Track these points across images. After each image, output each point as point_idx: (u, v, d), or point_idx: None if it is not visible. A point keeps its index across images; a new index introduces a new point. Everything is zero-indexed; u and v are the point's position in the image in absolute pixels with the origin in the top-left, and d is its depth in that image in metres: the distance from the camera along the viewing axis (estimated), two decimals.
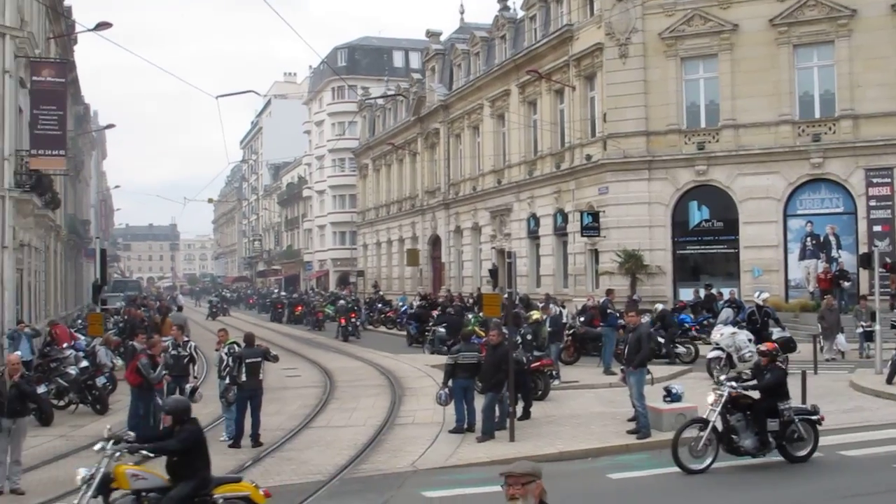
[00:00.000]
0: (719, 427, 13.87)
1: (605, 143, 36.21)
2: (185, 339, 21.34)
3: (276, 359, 19.01)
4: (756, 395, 14.37)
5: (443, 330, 33.28)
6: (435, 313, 39.55)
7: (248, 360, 17.34)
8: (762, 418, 13.96)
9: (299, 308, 57.04)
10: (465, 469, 14.30)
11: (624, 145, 35.66)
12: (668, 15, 35.10)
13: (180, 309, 49.05)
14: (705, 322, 30.59)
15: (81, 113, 56.92)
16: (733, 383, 14.32)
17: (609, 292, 29.64)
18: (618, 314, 27.57)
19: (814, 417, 14.34)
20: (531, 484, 5.81)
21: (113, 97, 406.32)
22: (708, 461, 13.62)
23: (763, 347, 15.49)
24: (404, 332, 39.78)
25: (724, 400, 13.95)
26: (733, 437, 13.90)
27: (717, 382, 14.83)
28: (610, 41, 35.99)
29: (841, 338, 26.72)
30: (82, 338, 29.19)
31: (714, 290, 32.76)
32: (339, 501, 12.94)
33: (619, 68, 35.84)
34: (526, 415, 18.17)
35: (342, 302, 46.46)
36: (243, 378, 17.23)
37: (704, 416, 14.09)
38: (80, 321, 39.75)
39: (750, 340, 23.40)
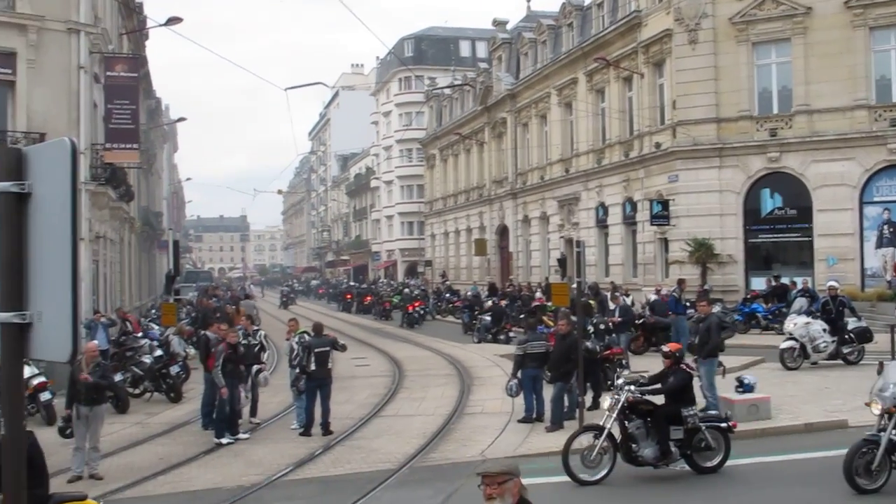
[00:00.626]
0: (617, 435, 12.95)
1: (675, 130, 35.79)
2: (255, 328, 21.65)
3: (343, 348, 19.16)
4: (658, 400, 13.40)
5: (488, 318, 34.62)
6: (503, 303, 39.75)
7: (316, 350, 17.51)
8: (663, 426, 12.90)
9: (368, 298, 57.46)
10: (533, 458, 14.27)
11: (694, 132, 35.21)
12: None
13: (249, 297, 49.76)
14: (777, 312, 30.23)
15: (153, 107, 57.88)
16: (631, 387, 13.12)
17: (681, 282, 29.31)
18: (687, 304, 27.36)
19: (723, 425, 13.25)
20: (508, 482, 5.61)
21: (183, 91, 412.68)
22: (603, 472, 12.76)
23: (665, 348, 14.23)
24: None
25: (620, 405, 12.92)
26: (632, 445, 12.90)
27: (615, 387, 13.54)
28: (679, 27, 35.53)
29: None
30: (156, 327, 29.77)
31: (785, 280, 32.26)
32: (409, 490, 13.01)
33: (689, 54, 35.37)
34: (595, 405, 18.07)
35: (407, 290, 47.05)
36: (312, 367, 17.41)
37: (601, 423, 13.03)
38: (153, 311, 40.49)
39: (824, 330, 23.05)
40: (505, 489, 5.58)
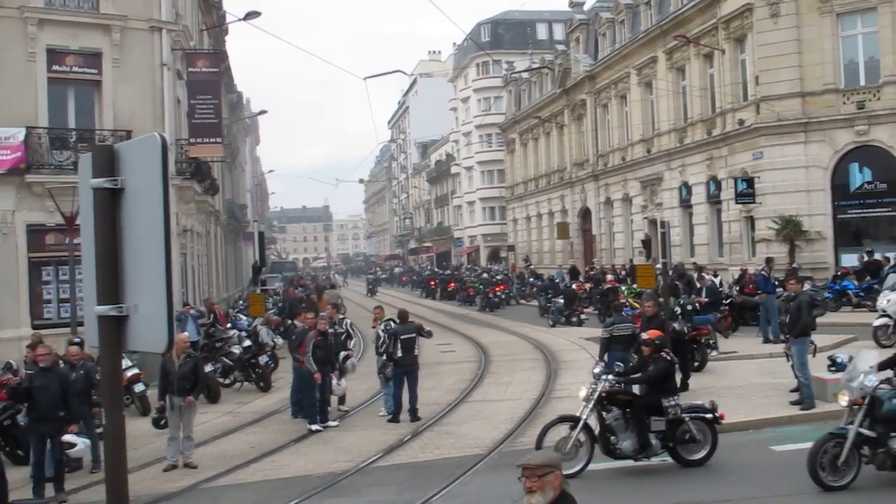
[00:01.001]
0: (595, 426, 12.49)
1: (759, 106, 35.12)
2: (341, 316, 21.88)
3: (429, 334, 19.25)
4: (637, 389, 12.98)
5: (561, 301, 35.62)
6: (588, 286, 39.63)
7: (402, 337, 17.68)
8: (642, 416, 12.40)
9: (452, 284, 57.69)
10: None
11: (778, 108, 34.50)
12: None
13: (333, 287, 50.38)
14: (869, 288, 29.53)
15: (235, 101, 58.74)
16: (609, 376, 12.69)
17: (769, 260, 28.79)
18: (776, 282, 26.85)
19: (709, 416, 12.61)
20: (549, 475, 5.42)
21: (264, 84, 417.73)
22: (579, 466, 12.22)
23: (645, 335, 13.67)
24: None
25: (597, 395, 12.43)
26: (610, 437, 12.43)
27: (593, 375, 13.21)
28: (760, 1, 34.82)
29: None
30: (244, 318, 30.28)
31: (879, 256, 31.44)
32: (499, 475, 13.02)
33: (771, 28, 34.64)
34: (684, 387, 17.87)
35: (486, 276, 47.56)
36: (399, 354, 17.57)
37: (577, 414, 12.54)
38: (241, 302, 41.16)
39: None
40: (545, 482, 5.42)
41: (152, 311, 3.90)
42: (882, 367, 11.28)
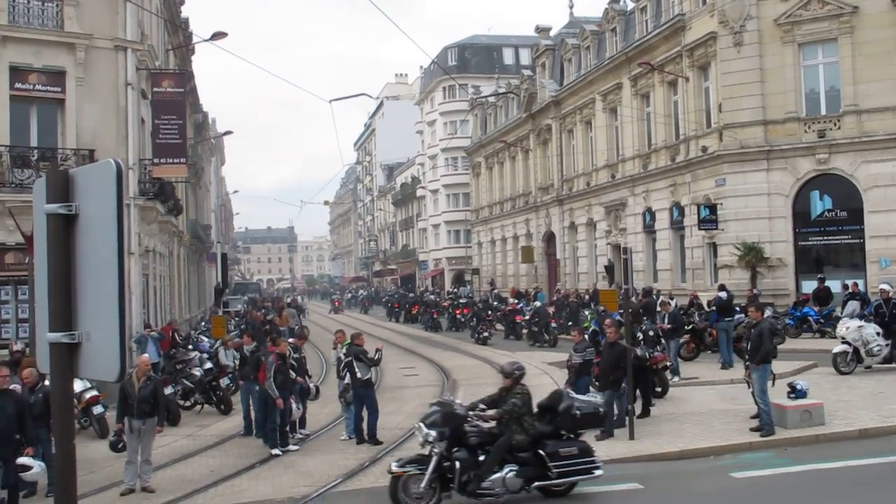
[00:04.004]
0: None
1: (722, 133, 35.48)
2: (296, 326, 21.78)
3: (370, 361, 18.30)
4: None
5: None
6: (551, 310, 39.91)
7: (349, 360, 17.80)
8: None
9: (416, 308, 57.79)
10: None
11: (741, 135, 34.88)
12: (783, 0, 34.18)
13: (301, 311, 50.39)
14: (829, 315, 29.85)
15: (200, 121, 58.43)
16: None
17: (721, 287, 28.99)
18: (737, 309, 27.11)
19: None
20: None
21: (229, 104, 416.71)
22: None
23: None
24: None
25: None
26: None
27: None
28: (723, 29, 35.25)
29: None
30: (206, 340, 30.05)
31: (835, 282, 31.80)
32: (461, 499, 12.98)
33: (734, 57, 35.06)
34: (646, 412, 17.96)
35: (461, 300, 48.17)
36: (357, 375, 17.64)
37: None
38: (203, 324, 40.86)
39: (878, 334, 22.72)
40: None
41: (104, 339, 3.85)
42: None
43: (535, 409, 12.92)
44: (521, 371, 13.13)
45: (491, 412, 12.60)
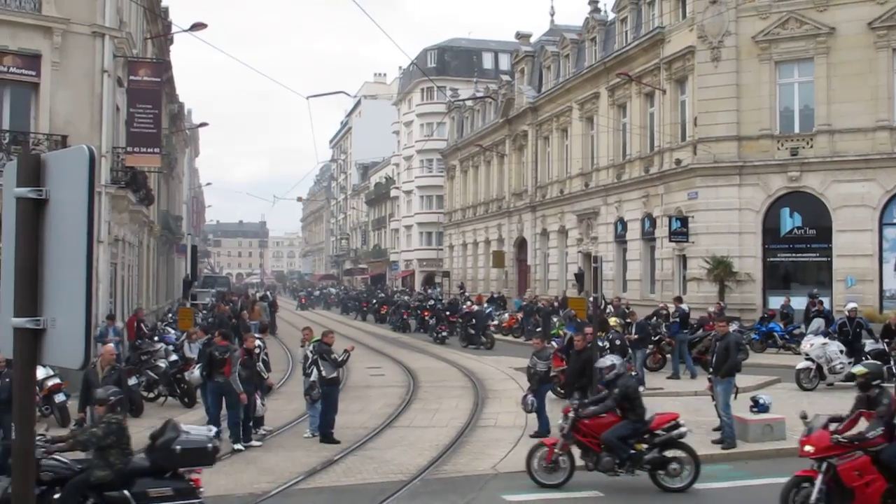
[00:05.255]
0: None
1: (696, 147, 35.72)
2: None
3: (334, 362, 17.97)
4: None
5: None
6: (519, 316, 40.12)
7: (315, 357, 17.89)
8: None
9: (385, 308, 57.76)
10: None
11: (715, 150, 35.13)
12: (762, 18, 34.46)
13: (273, 305, 50.33)
14: (795, 331, 30.11)
15: (176, 111, 58.06)
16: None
17: (678, 300, 29.15)
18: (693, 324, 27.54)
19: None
20: None
21: (206, 96, 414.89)
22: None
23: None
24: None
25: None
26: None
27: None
28: (702, 44, 35.50)
29: None
30: (173, 332, 29.84)
31: (801, 300, 32.10)
32: (421, 502, 12.99)
33: (711, 72, 35.31)
34: None
35: (432, 302, 48.12)
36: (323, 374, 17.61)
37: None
38: (170, 315, 40.60)
39: (841, 352, 22.93)
40: None
41: (70, 325, 3.82)
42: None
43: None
44: (117, 396, 11.99)
45: (63, 444, 11.10)
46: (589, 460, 13.48)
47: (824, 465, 10.75)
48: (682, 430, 13.72)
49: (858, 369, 11.70)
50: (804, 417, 11.57)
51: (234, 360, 17.23)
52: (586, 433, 13.45)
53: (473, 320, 38.62)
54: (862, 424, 11.22)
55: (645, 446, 13.37)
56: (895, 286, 32.58)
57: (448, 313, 42.62)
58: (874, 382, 11.22)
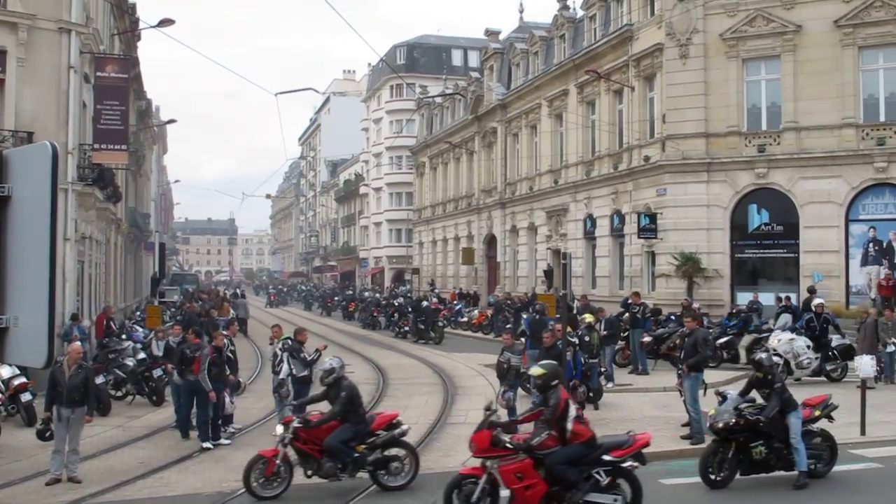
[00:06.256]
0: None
1: (664, 144, 35.87)
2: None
3: (304, 361, 17.89)
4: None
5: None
6: (489, 312, 40.14)
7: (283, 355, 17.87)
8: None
9: (352, 305, 58.11)
10: None
11: (683, 147, 35.31)
12: (729, 15, 34.66)
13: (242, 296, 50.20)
14: (763, 327, 30.29)
15: (143, 108, 57.65)
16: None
17: (636, 295, 29.21)
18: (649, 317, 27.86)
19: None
20: None
21: (174, 92, 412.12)
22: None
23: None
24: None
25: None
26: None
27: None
28: (670, 41, 35.66)
29: (865, 360, 20.65)
30: (140, 330, 29.65)
31: (768, 295, 32.32)
32: (390, 499, 12.98)
33: (680, 69, 35.49)
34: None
35: (400, 300, 48.16)
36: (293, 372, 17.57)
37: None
38: (138, 313, 40.35)
39: (808, 347, 23.13)
40: None
41: (33, 324, 3.77)
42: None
43: None
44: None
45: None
46: (309, 467, 13.34)
47: (488, 464, 10.92)
48: (404, 427, 13.76)
49: (535, 370, 11.54)
50: (487, 409, 11.61)
51: (203, 357, 17.15)
52: (307, 440, 13.28)
53: (423, 316, 39.82)
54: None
55: (366, 448, 13.32)
56: (861, 282, 32.87)
57: (410, 310, 43.07)
58: (552, 383, 11.15)
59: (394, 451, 13.50)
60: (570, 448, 10.91)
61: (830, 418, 14.18)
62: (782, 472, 13.20)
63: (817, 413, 13.85)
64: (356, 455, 13.22)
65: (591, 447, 11.03)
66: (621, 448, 11.19)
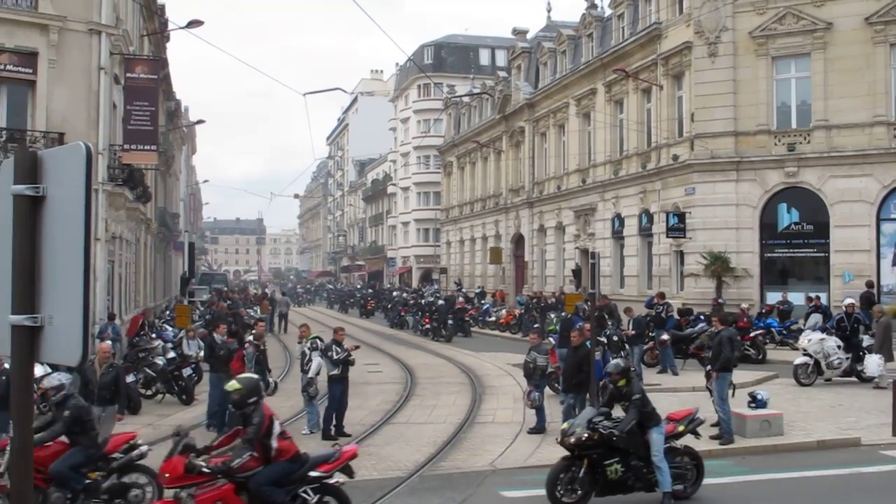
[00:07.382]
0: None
1: (693, 143, 35.70)
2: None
3: (331, 360, 18.16)
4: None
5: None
6: (517, 312, 40.15)
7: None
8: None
9: (370, 304, 60.33)
10: (543, 470, 14.12)
11: (712, 146, 35.12)
12: (759, 13, 34.45)
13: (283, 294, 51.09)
14: (792, 327, 30.13)
15: (172, 108, 57.99)
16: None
17: (660, 295, 29.08)
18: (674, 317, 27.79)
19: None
20: None
21: (203, 93, 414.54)
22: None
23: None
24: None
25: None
26: None
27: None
28: (699, 40, 35.48)
29: (873, 359, 22.51)
30: (170, 329, 29.85)
31: (798, 295, 32.14)
32: (419, 498, 12.99)
33: (708, 67, 35.30)
34: None
35: (431, 299, 48.48)
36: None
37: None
38: (167, 312, 40.60)
39: (839, 347, 22.94)
40: None
41: (68, 322, 3.81)
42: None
43: None
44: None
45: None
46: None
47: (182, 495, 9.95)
48: (143, 449, 12.20)
49: (232, 385, 10.65)
50: (177, 434, 10.90)
51: (247, 356, 17.39)
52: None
53: (437, 313, 40.63)
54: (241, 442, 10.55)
55: (100, 474, 11.69)
56: (892, 282, 32.59)
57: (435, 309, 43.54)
58: (250, 400, 10.36)
59: (133, 478, 12.01)
60: (275, 467, 10.23)
61: (696, 434, 13.47)
62: (643, 493, 12.23)
63: (681, 428, 12.89)
64: (88, 482, 11.51)
65: (296, 463, 10.41)
66: (328, 462, 10.65)
